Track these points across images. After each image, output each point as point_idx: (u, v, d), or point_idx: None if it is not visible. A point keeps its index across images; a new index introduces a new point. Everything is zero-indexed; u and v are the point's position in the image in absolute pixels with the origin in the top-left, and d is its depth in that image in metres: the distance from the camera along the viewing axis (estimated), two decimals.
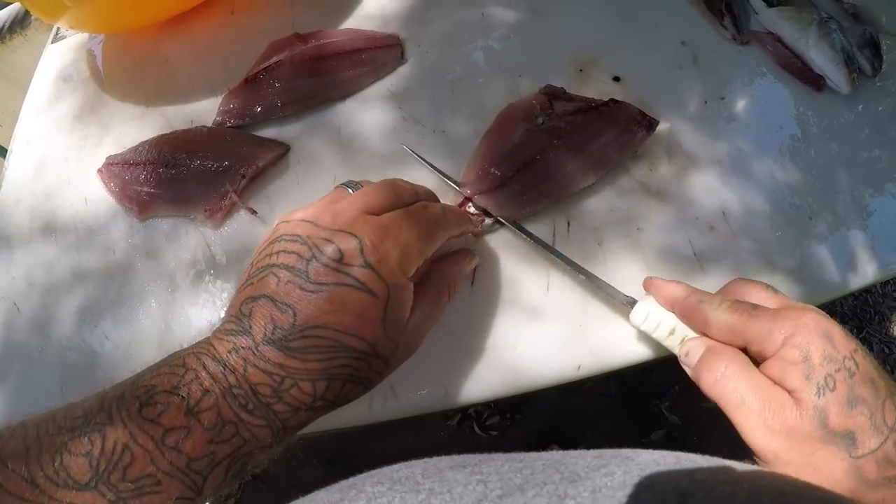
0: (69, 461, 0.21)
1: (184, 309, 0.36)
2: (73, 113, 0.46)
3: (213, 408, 0.22)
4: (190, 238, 0.37)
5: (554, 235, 0.35)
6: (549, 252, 0.32)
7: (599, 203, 0.36)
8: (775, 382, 0.24)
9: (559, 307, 0.33)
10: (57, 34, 0.52)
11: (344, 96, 0.41)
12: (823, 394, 0.22)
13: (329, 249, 0.23)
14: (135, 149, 0.40)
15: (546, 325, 0.32)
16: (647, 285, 0.29)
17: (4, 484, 0.21)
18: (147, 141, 0.40)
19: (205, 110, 0.42)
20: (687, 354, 0.26)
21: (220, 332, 0.24)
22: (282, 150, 0.38)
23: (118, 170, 0.39)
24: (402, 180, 0.28)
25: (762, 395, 0.23)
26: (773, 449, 0.23)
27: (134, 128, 0.43)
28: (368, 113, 0.40)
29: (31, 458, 0.21)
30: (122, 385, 0.23)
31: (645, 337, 0.33)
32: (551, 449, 0.94)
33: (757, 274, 0.33)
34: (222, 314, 0.35)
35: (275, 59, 0.41)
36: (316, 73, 0.40)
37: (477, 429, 0.96)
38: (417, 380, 0.31)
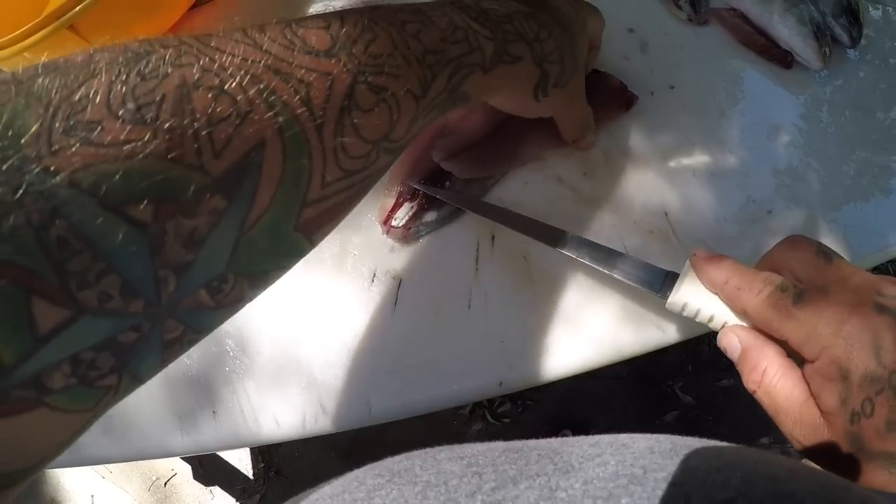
0: (305, 33, 0.19)
1: None
2: None
3: (445, 15, 0.24)
4: None
5: (478, 251, 0.34)
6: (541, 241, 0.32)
7: (526, 213, 0.35)
8: (812, 394, 0.22)
9: (481, 324, 0.33)
10: None
11: None
12: (858, 420, 0.21)
13: None
14: None
15: (467, 342, 0.33)
16: (693, 263, 0.27)
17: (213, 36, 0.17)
18: None
19: None
20: (726, 350, 0.25)
21: None
22: None
23: None
24: None
25: (796, 412, 0.23)
26: (810, 458, 0.22)
27: None
28: None
29: (253, 29, 0.18)
30: None
31: (567, 351, 0.32)
32: (563, 434, 0.94)
33: None
34: None
35: None
36: None
37: (489, 417, 0.97)
38: (344, 396, 0.33)
